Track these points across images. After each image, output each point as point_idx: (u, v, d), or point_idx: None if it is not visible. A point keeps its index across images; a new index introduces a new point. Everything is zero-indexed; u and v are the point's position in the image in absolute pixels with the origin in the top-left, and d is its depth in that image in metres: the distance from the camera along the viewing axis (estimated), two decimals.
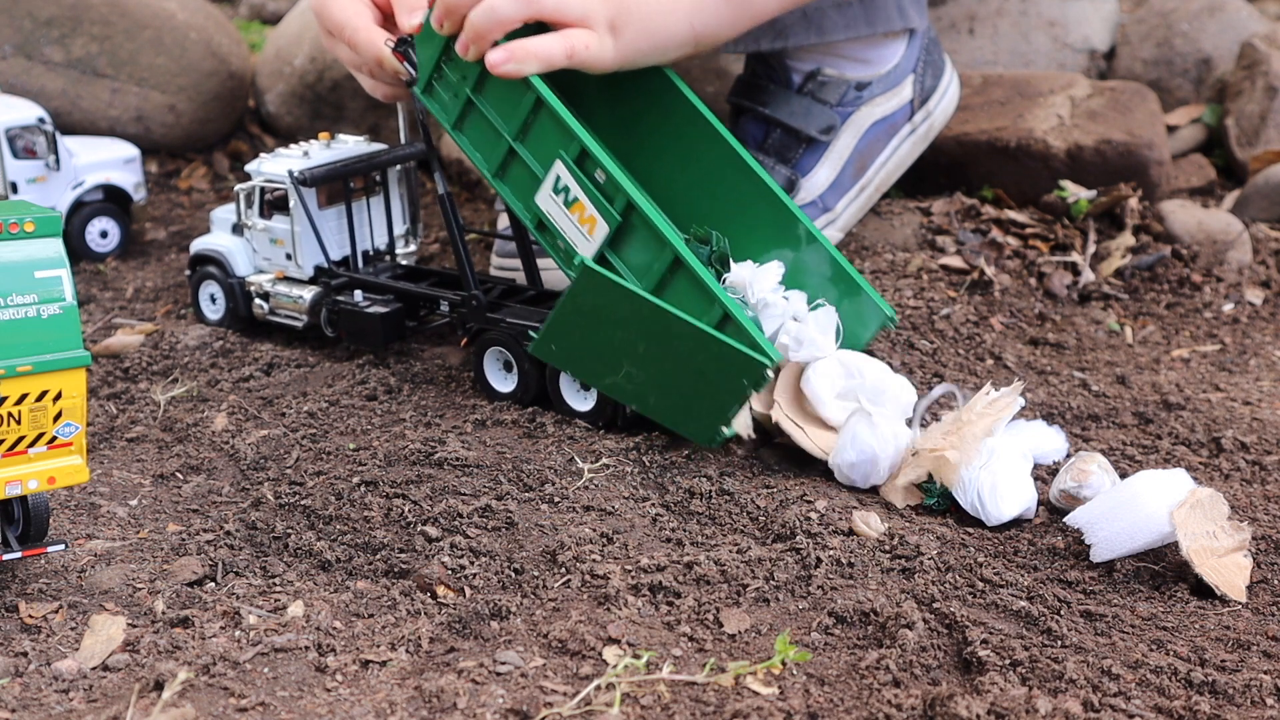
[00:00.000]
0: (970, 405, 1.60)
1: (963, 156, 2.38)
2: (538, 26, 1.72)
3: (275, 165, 1.97)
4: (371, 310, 1.90)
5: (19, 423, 1.35)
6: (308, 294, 1.96)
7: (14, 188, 2.27)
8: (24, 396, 1.34)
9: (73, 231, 2.32)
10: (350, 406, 1.82)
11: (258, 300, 2.00)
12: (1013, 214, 2.30)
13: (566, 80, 1.81)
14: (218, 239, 2.06)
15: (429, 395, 1.84)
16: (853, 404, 1.65)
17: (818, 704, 1.23)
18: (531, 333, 1.74)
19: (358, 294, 1.94)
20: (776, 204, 1.81)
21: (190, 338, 2.03)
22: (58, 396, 1.35)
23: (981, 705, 1.20)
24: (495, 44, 1.70)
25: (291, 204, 1.94)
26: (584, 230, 1.71)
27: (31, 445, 1.36)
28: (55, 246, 1.34)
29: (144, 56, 2.63)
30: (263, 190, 1.98)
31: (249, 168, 2.00)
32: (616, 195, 1.68)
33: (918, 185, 2.39)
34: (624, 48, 1.75)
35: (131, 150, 2.41)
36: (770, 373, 1.61)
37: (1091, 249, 2.25)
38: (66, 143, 2.35)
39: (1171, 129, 2.59)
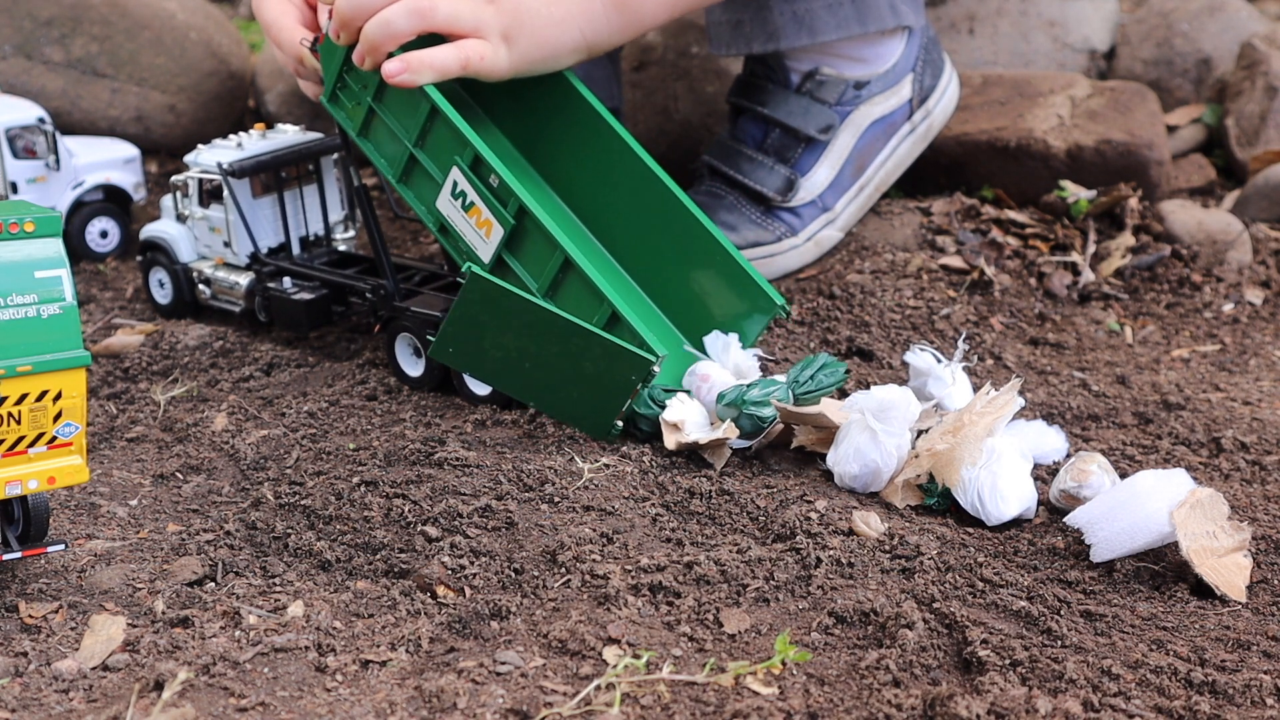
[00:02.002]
0: (970, 405, 1.60)
1: (963, 156, 2.38)
2: (433, 37, 1.78)
3: (210, 156, 2.04)
4: (297, 297, 1.98)
5: (19, 423, 1.35)
6: (244, 280, 2.03)
7: (14, 188, 2.27)
8: (24, 396, 1.34)
9: (73, 231, 2.32)
10: (350, 406, 1.82)
11: (200, 285, 2.08)
12: (1013, 214, 2.30)
13: (473, 85, 1.90)
14: (164, 226, 2.13)
15: (429, 395, 1.84)
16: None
17: (818, 704, 1.23)
18: (429, 336, 1.79)
19: (287, 281, 2.01)
20: (670, 199, 1.87)
21: (190, 338, 2.03)
22: (58, 396, 1.35)
23: (981, 705, 1.20)
24: (391, 55, 1.75)
25: (224, 194, 2.01)
26: (481, 234, 1.77)
27: (31, 445, 1.36)
28: (55, 246, 1.34)
29: (144, 56, 2.63)
30: (200, 181, 2.06)
31: (187, 159, 2.08)
32: (510, 199, 1.73)
33: (918, 185, 2.39)
34: (518, 57, 1.80)
35: (131, 150, 2.41)
36: (657, 369, 1.65)
37: (1091, 249, 2.25)
38: (66, 143, 2.35)
39: (1171, 129, 2.59)
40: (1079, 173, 2.32)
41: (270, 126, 2.13)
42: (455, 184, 1.77)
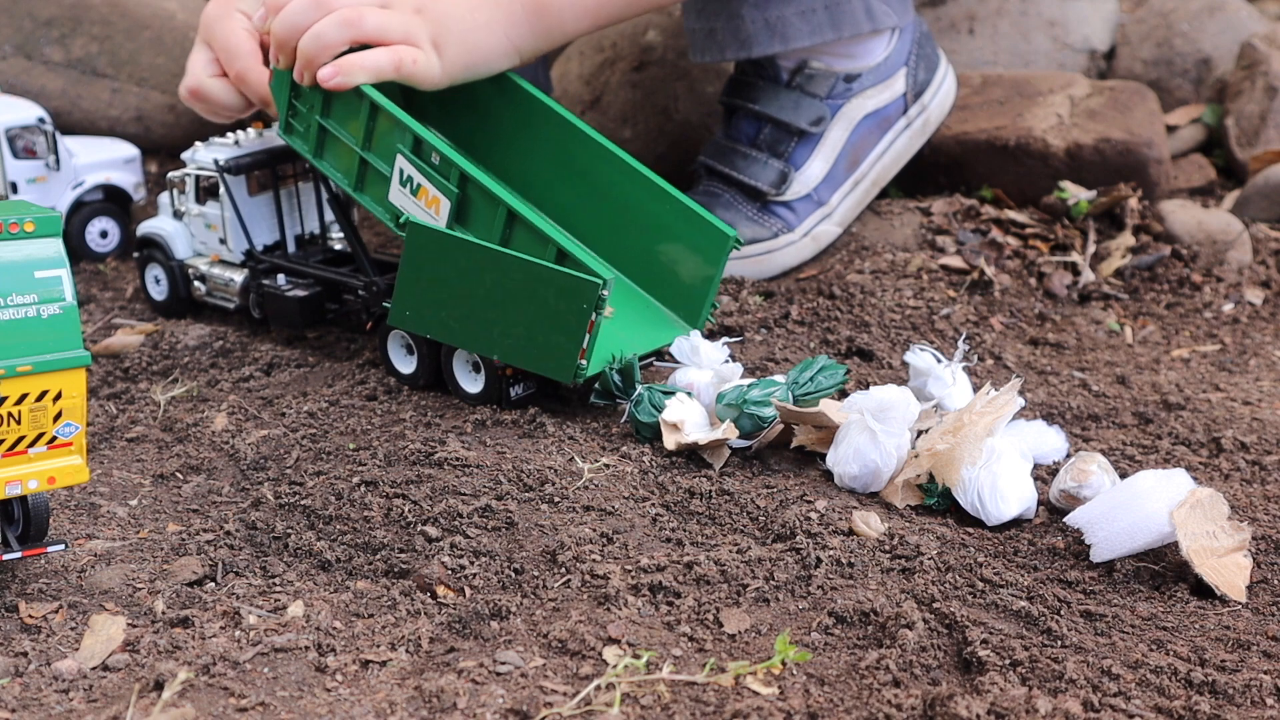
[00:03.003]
0: (970, 405, 1.60)
1: (962, 156, 2.38)
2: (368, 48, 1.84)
3: (207, 154, 2.05)
4: (291, 294, 1.99)
5: (19, 423, 1.35)
6: (238, 277, 2.05)
7: (14, 188, 2.27)
8: (24, 396, 1.34)
9: (73, 231, 2.32)
10: (350, 406, 1.82)
11: (195, 282, 2.09)
12: (1013, 214, 2.30)
13: (410, 98, 1.98)
14: (161, 223, 2.13)
15: (429, 395, 1.84)
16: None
17: (818, 704, 1.23)
18: (386, 304, 1.82)
19: (280, 278, 2.02)
20: (615, 160, 1.93)
21: (190, 338, 2.03)
22: (58, 396, 1.35)
23: (981, 705, 1.20)
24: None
25: (221, 191, 2.02)
26: (431, 212, 1.80)
27: (31, 445, 1.36)
28: (55, 246, 1.34)
29: (144, 56, 2.63)
30: (197, 178, 2.07)
31: (184, 156, 2.09)
32: (450, 170, 1.76)
33: (917, 185, 2.39)
34: (449, 63, 1.86)
35: (131, 150, 2.41)
36: (606, 291, 1.66)
37: (1091, 249, 2.25)
38: (66, 143, 2.35)
39: (1171, 129, 2.59)
40: (1078, 172, 2.32)
41: (267, 125, 2.14)
42: (402, 171, 1.81)
